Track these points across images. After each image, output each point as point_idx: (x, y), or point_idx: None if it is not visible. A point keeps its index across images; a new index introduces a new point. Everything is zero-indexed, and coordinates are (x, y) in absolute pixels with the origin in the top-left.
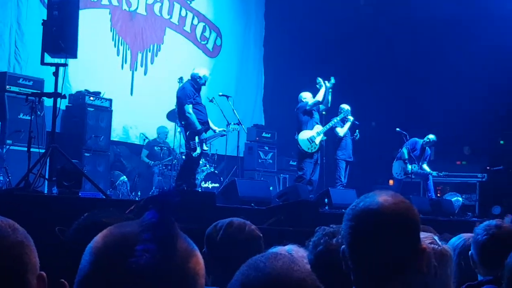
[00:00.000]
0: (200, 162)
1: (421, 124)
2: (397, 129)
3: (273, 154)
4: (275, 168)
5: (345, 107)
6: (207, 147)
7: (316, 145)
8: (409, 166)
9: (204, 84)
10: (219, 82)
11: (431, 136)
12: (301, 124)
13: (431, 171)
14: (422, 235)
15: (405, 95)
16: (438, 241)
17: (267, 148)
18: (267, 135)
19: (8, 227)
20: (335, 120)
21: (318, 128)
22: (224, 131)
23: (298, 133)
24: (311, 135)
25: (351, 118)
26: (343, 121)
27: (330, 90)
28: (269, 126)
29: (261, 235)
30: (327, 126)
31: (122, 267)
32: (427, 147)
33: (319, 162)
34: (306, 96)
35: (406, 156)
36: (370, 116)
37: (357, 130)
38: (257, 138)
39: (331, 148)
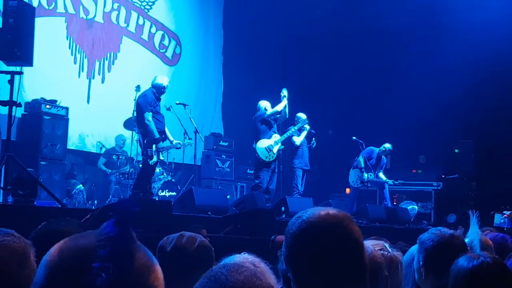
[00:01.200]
0: (157, 170)
1: (377, 132)
2: (354, 137)
3: (231, 162)
4: (232, 177)
5: (302, 116)
6: (163, 156)
7: (274, 154)
8: (365, 175)
9: (164, 93)
10: (178, 90)
11: (387, 145)
12: (258, 133)
13: (387, 180)
14: (373, 242)
15: (361, 104)
16: (388, 248)
17: (224, 156)
18: (224, 143)
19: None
20: (292, 130)
21: (276, 137)
22: (180, 143)
23: (256, 142)
24: (269, 144)
25: (307, 127)
26: (300, 130)
27: (287, 102)
28: (228, 134)
29: (212, 248)
30: (285, 135)
31: (77, 285)
32: (383, 156)
33: (276, 170)
34: (265, 105)
35: (363, 165)
36: (326, 125)
37: (313, 139)
38: (215, 147)
39: (288, 157)
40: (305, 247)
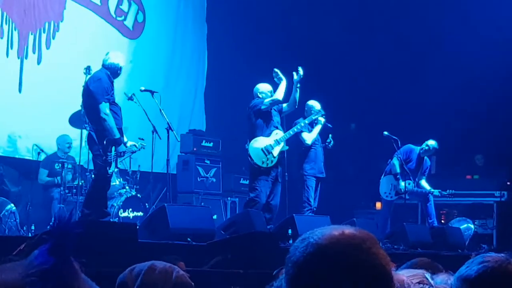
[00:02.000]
0: (117, 183)
1: (417, 126)
2: (385, 132)
3: (217, 170)
4: (220, 189)
5: (315, 105)
6: (122, 164)
7: (274, 157)
8: (402, 183)
9: (118, 76)
10: (142, 72)
11: (432, 143)
12: (254, 129)
13: (432, 190)
14: (408, 272)
15: (394, 88)
16: (430, 280)
17: (208, 162)
18: (208, 144)
19: None
20: (302, 124)
21: (278, 134)
22: (136, 146)
23: (250, 140)
24: (267, 143)
25: (322, 120)
26: (312, 124)
27: (298, 86)
28: (213, 132)
29: (193, 284)
30: (291, 132)
31: None
32: (426, 157)
33: (279, 180)
34: (264, 90)
35: (398, 170)
36: (348, 117)
37: (330, 136)
38: (195, 149)
39: (296, 161)
40: (312, 278)
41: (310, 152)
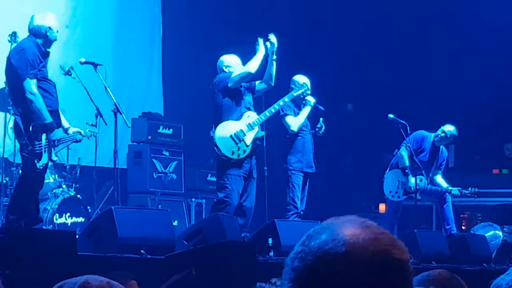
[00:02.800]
0: (51, 180)
1: (431, 108)
2: (391, 115)
3: (179, 163)
4: (182, 188)
5: (302, 80)
6: (57, 156)
7: (247, 146)
8: (412, 180)
9: (51, 43)
10: (82, 40)
11: (449, 128)
12: (220, 111)
13: (450, 187)
14: None
15: (403, 63)
16: None
17: (167, 153)
18: (167, 131)
19: None
20: (281, 102)
21: (251, 117)
22: (81, 133)
23: (216, 126)
24: (237, 129)
25: (311, 100)
26: (299, 105)
27: (275, 58)
28: (172, 116)
29: None
30: (267, 113)
31: None
32: (442, 147)
33: (254, 175)
34: (231, 62)
35: (407, 163)
36: (343, 96)
37: (321, 120)
38: (150, 137)
39: (278, 151)
40: None
41: (297, 141)
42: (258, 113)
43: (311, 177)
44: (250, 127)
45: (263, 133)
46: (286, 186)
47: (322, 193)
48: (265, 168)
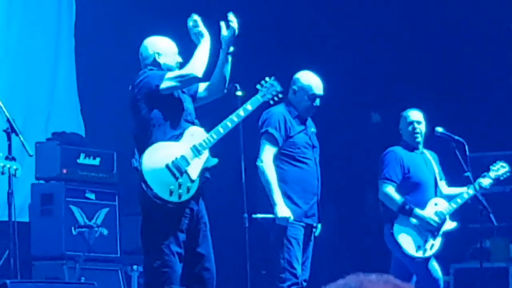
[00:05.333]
0: None
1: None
2: (439, 129)
3: (111, 212)
4: (117, 250)
5: (308, 80)
6: None
7: (192, 181)
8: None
9: None
10: None
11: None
12: (147, 128)
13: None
14: None
15: (446, 57)
16: None
17: (93, 197)
18: (92, 161)
19: None
20: (244, 112)
21: (196, 136)
22: None
23: (141, 152)
24: (177, 155)
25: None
26: (302, 116)
27: (231, 50)
28: (97, 138)
29: None
30: (221, 129)
31: None
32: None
33: (206, 227)
34: (163, 49)
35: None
36: (363, 101)
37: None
38: (66, 171)
39: (255, 183)
40: None
41: (293, 173)
42: (208, 130)
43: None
44: (196, 151)
45: (215, 160)
46: (278, 243)
47: (335, 252)
48: (245, 215)
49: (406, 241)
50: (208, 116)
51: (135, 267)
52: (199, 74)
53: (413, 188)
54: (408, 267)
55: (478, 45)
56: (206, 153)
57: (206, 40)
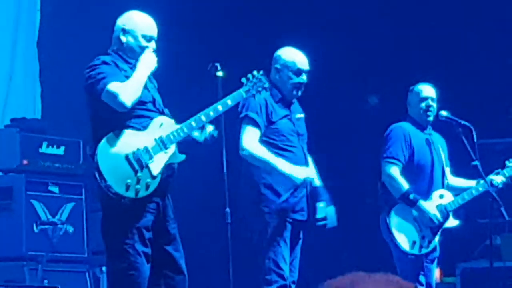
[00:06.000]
0: None
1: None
2: (443, 112)
3: (77, 207)
4: (84, 250)
5: (292, 56)
6: None
7: (153, 177)
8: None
9: None
10: None
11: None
12: (102, 116)
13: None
14: None
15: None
16: None
17: (57, 190)
18: (55, 150)
19: None
20: (222, 107)
21: (165, 126)
22: None
23: (98, 141)
24: (139, 145)
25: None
26: (287, 100)
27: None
28: (60, 124)
29: None
30: (193, 122)
31: None
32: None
33: (170, 214)
34: (134, 26)
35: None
36: (359, 83)
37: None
38: (26, 162)
39: (248, 180)
40: None
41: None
42: (182, 116)
43: (304, 227)
44: (162, 144)
45: (182, 157)
46: (263, 241)
47: (332, 249)
48: (227, 210)
49: (401, 234)
50: (184, 100)
51: (104, 268)
52: (129, 105)
53: (417, 173)
54: (395, 258)
55: (490, 18)
56: (172, 148)
57: (149, 67)
